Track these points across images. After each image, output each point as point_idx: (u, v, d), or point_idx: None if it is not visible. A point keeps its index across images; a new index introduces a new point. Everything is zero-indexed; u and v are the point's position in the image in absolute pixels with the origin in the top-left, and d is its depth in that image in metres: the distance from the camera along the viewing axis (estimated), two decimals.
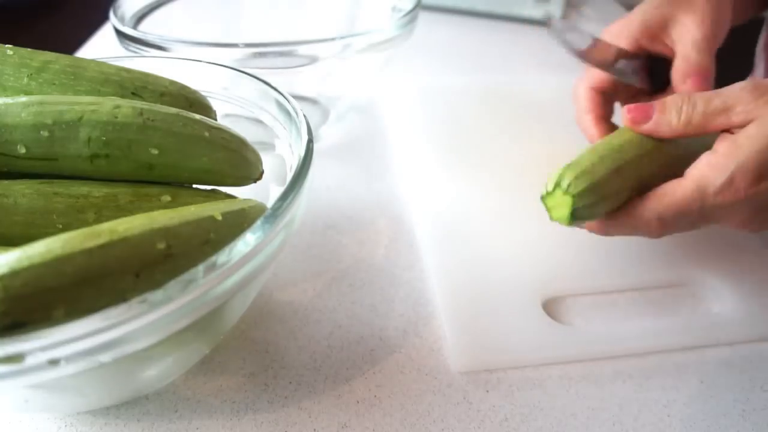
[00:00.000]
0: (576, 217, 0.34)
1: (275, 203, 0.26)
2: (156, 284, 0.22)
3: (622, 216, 0.34)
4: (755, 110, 0.31)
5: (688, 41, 0.40)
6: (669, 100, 0.34)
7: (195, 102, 0.36)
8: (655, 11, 0.42)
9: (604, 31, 0.45)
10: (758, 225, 0.34)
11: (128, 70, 0.35)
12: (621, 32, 0.43)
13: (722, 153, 0.31)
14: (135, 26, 0.49)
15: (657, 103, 0.34)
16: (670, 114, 0.33)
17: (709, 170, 0.32)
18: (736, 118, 0.31)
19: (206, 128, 0.32)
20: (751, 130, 0.31)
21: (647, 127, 0.34)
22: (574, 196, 0.33)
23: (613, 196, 0.34)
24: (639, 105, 0.34)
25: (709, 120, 0.32)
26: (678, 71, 0.40)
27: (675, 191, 0.33)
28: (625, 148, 0.34)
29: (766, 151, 0.30)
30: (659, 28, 0.42)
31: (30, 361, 0.20)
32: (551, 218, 0.35)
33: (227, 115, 0.39)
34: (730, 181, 0.31)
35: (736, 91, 0.32)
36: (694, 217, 0.33)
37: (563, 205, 0.34)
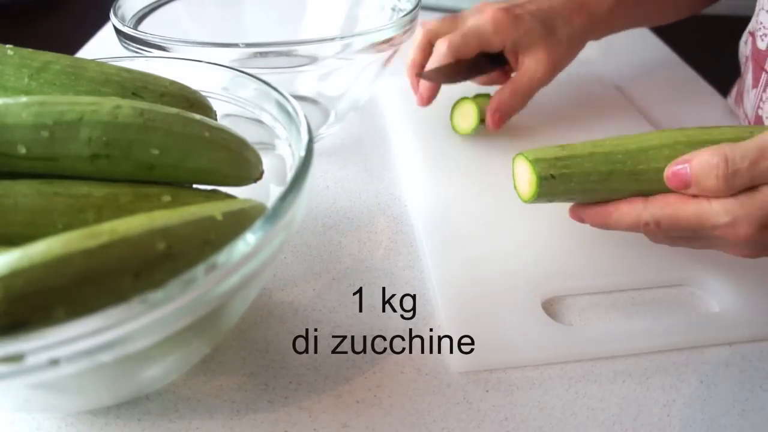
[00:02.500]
0: (540, 187, 0.36)
1: (275, 203, 0.26)
2: (156, 284, 0.22)
3: (622, 205, 0.36)
4: None
5: (516, 81, 0.50)
6: (704, 167, 0.32)
7: (195, 102, 0.36)
8: (494, 37, 0.50)
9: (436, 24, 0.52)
10: (755, 254, 0.35)
11: (128, 71, 0.35)
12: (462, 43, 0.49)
13: (738, 198, 0.32)
14: (135, 26, 0.49)
15: (692, 175, 0.33)
16: (707, 180, 0.32)
17: (718, 205, 0.32)
18: None
19: (206, 128, 0.32)
20: None
21: (691, 191, 0.33)
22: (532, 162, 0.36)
23: (579, 177, 0.36)
24: (676, 173, 0.33)
25: (756, 181, 0.32)
26: (493, 101, 0.51)
27: (676, 206, 0.34)
28: (607, 143, 0.36)
29: None
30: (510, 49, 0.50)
31: (30, 361, 0.20)
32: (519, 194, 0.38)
33: (227, 115, 0.39)
34: (732, 224, 0.32)
35: None
36: (689, 236, 0.35)
37: (529, 174, 0.36)
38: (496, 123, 0.51)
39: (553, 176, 0.35)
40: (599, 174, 0.36)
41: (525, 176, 0.37)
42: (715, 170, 0.32)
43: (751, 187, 0.32)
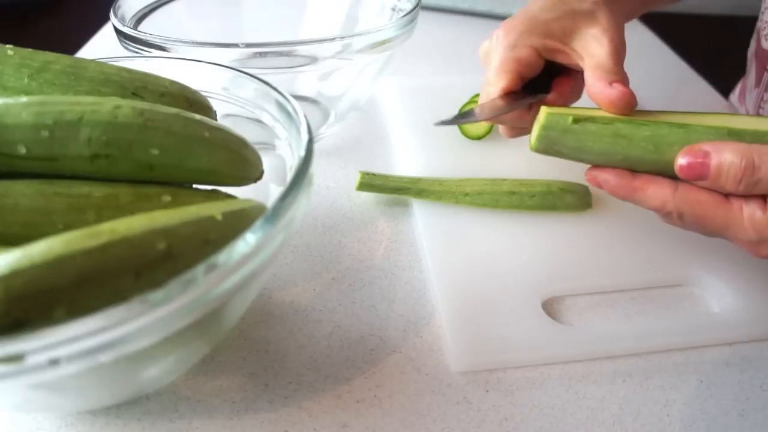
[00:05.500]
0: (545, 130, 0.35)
1: (275, 203, 0.26)
2: (156, 284, 0.22)
3: (649, 186, 0.34)
4: None
5: (601, 53, 0.38)
6: (724, 168, 0.31)
7: (195, 102, 0.36)
8: (554, 24, 0.40)
9: (499, 37, 0.41)
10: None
11: (129, 71, 0.35)
12: (518, 42, 0.40)
13: None
14: (135, 26, 0.49)
15: (713, 168, 0.31)
16: (726, 182, 0.31)
17: (749, 224, 0.31)
18: None
19: (206, 128, 0.32)
20: None
21: (701, 184, 0.32)
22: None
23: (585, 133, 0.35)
24: (692, 163, 0.32)
25: None
26: (596, 77, 0.37)
27: (707, 209, 0.32)
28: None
29: None
30: (560, 41, 0.41)
31: (30, 360, 0.20)
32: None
33: (227, 115, 0.39)
34: (756, 243, 0.32)
35: None
36: (706, 231, 0.34)
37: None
38: (625, 99, 0.35)
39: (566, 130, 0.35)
40: (615, 154, 0.35)
41: (539, 122, 0.36)
42: (740, 174, 0.31)
43: None
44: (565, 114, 0.35)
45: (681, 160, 0.32)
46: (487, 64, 0.43)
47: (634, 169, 0.35)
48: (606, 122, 0.35)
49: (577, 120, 0.35)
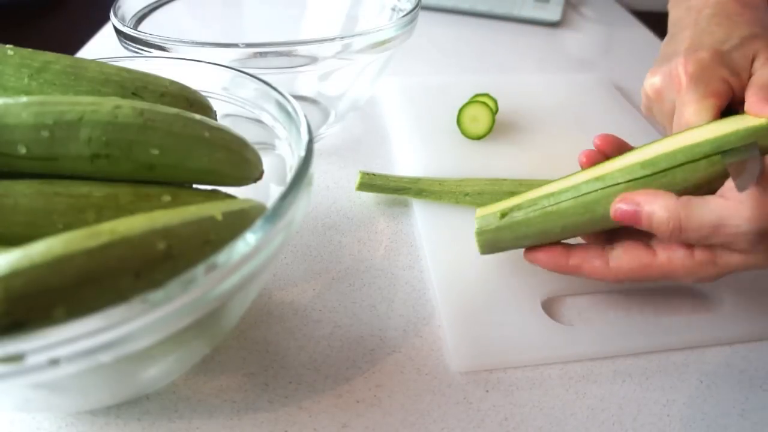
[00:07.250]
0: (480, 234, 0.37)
1: (275, 203, 0.26)
2: (156, 284, 0.22)
3: (584, 265, 0.35)
4: (751, 251, 0.31)
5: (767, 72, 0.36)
6: (654, 221, 0.32)
7: (195, 102, 0.36)
8: (737, 53, 0.38)
9: (688, 72, 0.38)
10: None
11: (129, 71, 0.35)
12: (710, 76, 0.37)
13: (700, 261, 0.33)
14: (135, 26, 0.49)
15: (644, 217, 0.32)
16: (659, 232, 0.32)
17: (681, 270, 0.33)
18: (734, 248, 0.31)
19: (206, 128, 0.32)
20: (738, 262, 0.32)
21: (640, 227, 0.33)
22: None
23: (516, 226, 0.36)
24: (625, 211, 0.33)
25: (704, 243, 0.32)
26: (757, 95, 0.34)
27: (640, 272, 0.34)
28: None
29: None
30: (746, 71, 0.37)
31: (30, 360, 0.20)
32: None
33: (227, 115, 0.39)
34: (695, 282, 0.34)
35: (740, 228, 0.30)
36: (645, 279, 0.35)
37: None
38: None
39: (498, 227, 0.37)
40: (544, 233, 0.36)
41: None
42: (667, 233, 0.32)
43: (708, 254, 0.32)
44: (493, 212, 0.37)
45: (617, 206, 0.33)
46: (661, 102, 0.40)
47: (578, 232, 0.36)
48: (531, 204, 0.36)
49: (504, 213, 0.37)
